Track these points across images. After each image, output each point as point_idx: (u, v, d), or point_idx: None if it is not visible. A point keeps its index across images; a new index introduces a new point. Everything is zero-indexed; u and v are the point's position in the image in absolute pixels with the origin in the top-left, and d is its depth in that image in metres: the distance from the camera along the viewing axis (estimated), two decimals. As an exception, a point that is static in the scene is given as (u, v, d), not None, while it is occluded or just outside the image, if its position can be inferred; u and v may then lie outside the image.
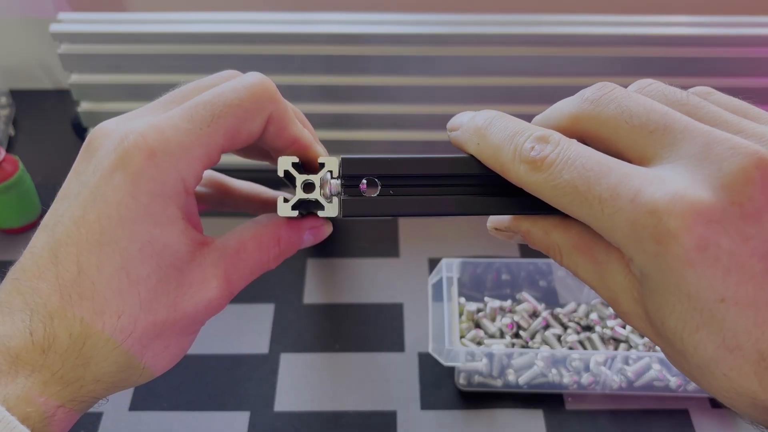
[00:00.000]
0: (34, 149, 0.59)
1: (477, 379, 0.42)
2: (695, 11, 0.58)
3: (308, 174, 0.25)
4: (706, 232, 0.19)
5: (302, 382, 0.43)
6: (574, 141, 0.22)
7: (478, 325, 0.45)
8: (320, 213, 0.25)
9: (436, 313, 0.43)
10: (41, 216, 0.53)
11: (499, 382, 0.42)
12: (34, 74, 0.64)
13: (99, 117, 0.55)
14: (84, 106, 0.54)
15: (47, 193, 0.54)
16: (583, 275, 0.23)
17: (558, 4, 0.60)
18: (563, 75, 0.52)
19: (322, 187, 0.25)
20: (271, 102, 0.25)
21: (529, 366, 0.42)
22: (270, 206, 0.33)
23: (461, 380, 0.42)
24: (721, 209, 0.19)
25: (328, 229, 0.29)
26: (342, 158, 0.24)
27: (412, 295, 0.48)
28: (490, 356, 0.41)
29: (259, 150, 0.29)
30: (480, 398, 0.42)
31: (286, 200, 0.25)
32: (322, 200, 0.25)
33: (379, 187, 0.24)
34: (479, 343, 0.44)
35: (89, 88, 0.53)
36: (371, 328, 0.46)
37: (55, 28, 0.50)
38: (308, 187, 0.25)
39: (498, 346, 0.43)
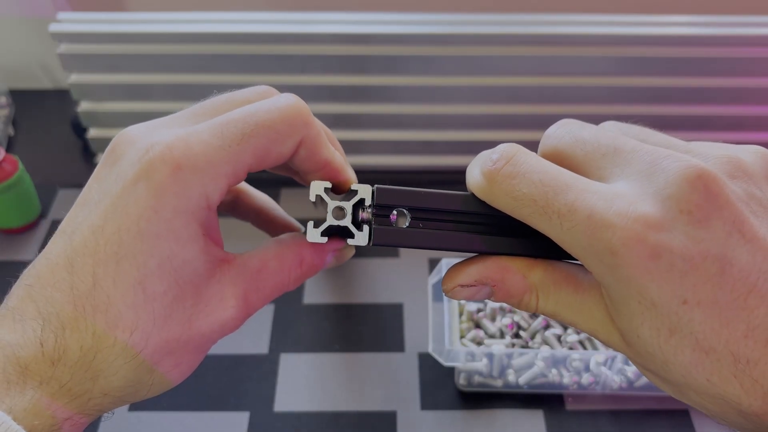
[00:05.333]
0: (33, 149, 0.59)
1: (477, 379, 0.42)
2: (695, 11, 0.58)
3: (337, 196, 0.25)
4: (657, 240, 0.20)
5: (302, 382, 0.43)
6: (532, 154, 0.23)
7: (478, 325, 0.45)
8: (350, 241, 0.24)
9: (436, 313, 0.43)
10: (41, 216, 0.53)
11: (499, 383, 0.42)
12: (34, 74, 0.64)
13: (98, 117, 0.54)
14: (83, 106, 0.54)
15: (47, 193, 0.55)
16: (563, 311, 0.24)
17: (558, 4, 0.60)
18: (563, 75, 0.52)
19: (354, 214, 0.24)
20: (304, 126, 0.25)
21: (530, 366, 0.42)
22: (277, 227, 0.32)
23: (461, 380, 0.42)
24: (670, 218, 0.20)
25: (350, 252, 0.29)
26: (376, 187, 0.24)
27: (412, 295, 0.48)
28: (490, 356, 0.41)
29: (284, 166, 0.28)
30: (480, 398, 0.42)
31: (316, 225, 0.25)
32: (352, 228, 0.24)
33: (409, 219, 0.24)
34: (479, 344, 0.44)
35: (89, 88, 0.53)
36: (371, 328, 0.46)
37: (54, 27, 0.50)
38: (338, 212, 0.25)
39: (498, 347, 0.43)
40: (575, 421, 0.42)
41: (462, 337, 0.44)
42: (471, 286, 0.24)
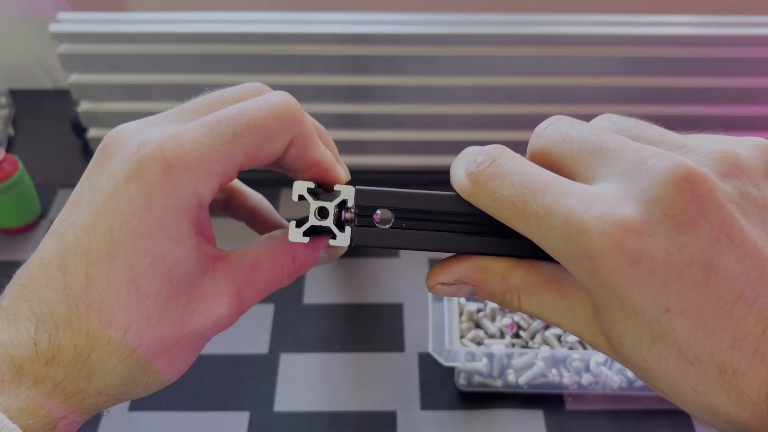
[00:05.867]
0: (33, 149, 0.59)
1: (477, 379, 0.42)
2: (695, 11, 0.58)
3: (326, 196, 0.25)
4: (637, 246, 0.19)
5: (302, 382, 0.43)
6: (517, 156, 0.23)
7: (478, 325, 0.45)
8: (331, 242, 0.24)
9: (436, 313, 0.43)
10: (41, 216, 0.53)
11: (499, 383, 0.42)
12: (34, 74, 0.64)
13: (98, 117, 0.54)
14: (83, 106, 0.54)
15: (47, 193, 0.55)
16: (547, 312, 0.23)
17: (558, 4, 0.60)
18: (563, 75, 0.52)
19: (338, 215, 0.25)
20: (295, 125, 0.25)
21: (530, 366, 0.42)
22: (269, 229, 0.32)
23: (461, 380, 0.42)
24: (653, 223, 0.19)
25: (341, 249, 0.29)
26: (356, 189, 0.24)
27: (412, 295, 0.48)
28: (490, 356, 0.41)
29: (276, 163, 0.28)
30: (480, 398, 0.42)
31: (298, 225, 0.25)
32: (334, 228, 0.24)
33: (393, 220, 0.24)
34: (479, 343, 0.44)
35: (89, 88, 0.53)
36: (371, 328, 0.46)
37: (54, 27, 0.50)
38: (322, 212, 0.25)
39: (498, 347, 0.43)
40: (575, 421, 0.42)
41: (462, 337, 0.44)
42: (452, 284, 0.25)
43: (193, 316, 0.24)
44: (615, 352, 0.22)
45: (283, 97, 0.25)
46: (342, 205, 0.25)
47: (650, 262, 0.19)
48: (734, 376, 0.19)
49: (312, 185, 0.25)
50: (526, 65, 0.51)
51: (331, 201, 0.24)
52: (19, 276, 0.23)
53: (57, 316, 0.22)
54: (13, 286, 0.23)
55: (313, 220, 0.24)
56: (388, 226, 0.24)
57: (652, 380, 0.21)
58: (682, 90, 0.53)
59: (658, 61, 0.51)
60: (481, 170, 0.22)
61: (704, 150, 0.21)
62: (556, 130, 0.23)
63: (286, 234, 0.27)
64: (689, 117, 0.54)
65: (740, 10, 0.59)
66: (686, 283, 0.19)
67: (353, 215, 0.24)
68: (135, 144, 0.23)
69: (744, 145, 0.21)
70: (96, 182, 0.23)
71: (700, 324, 0.19)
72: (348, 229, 0.24)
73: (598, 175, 0.21)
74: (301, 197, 0.25)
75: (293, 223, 0.25)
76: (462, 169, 0.23)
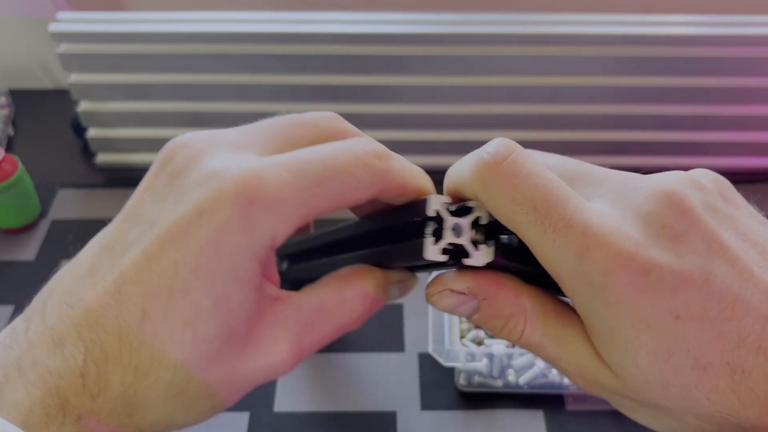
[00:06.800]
0: (33, 149, 0.59)
1: (477, 379, 0.42)
2: (695, 11, 0.58)
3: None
4: (646, 257, 0.20)
5: (302, 382, 0.43)
6: (531, 153, 0.22)
7: (478, 326, 0.45)
8: (465, 261, 0.22)
9: (436, 313, 0.43)
10: (41, 216, 0.53)
11: (499, 383, 0.42)
12: (34, 74, 0.64)
13: (98, 117, 0.54)
14: (83, 106, 0.54)
15: (47, 193, 0.55)
16: (550, 343, 0.23)
17: (558, 4, 0.60)
18: (563, 75, 0.52)
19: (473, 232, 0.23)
20: (385, 174, 0.23)
21: (530, 366, 0.42)
22: None
23: (461, 381, 0.42)
24: (653, 235, 0.20)
25: (414, 282, 0.27)
26: None
27: (412, 295, 0.48)
28: (490, 357, 0.41)
29: None
30: (480, 399, 0.42)
31: (435, 241, 0.23)
32: (470, 247, 0.22)
33: (516, 244, 0.23)
34: (479, 344, 0.44)
35: (89, 88, 0.53)
36: (371, 328, 0.46)
37: (54, 27, 0.50)
38: (455, 230, 0.23)
39: (498, 347, 0.43)
40: (575, 421, 0.42)
41: (462, 337, 0.44)
42: (460, 294, 0.23)
43: (247, 362, 0.22)
44: (623, 383, 0.21)
45: (371, 146, 0.23)
46: (474, 223, 0.23)
47: (659, 272, 0.20)
48: (743, 375, 0.20)
49: (449, 200, 0.23)
50: (526, 65, 0.51)
51: (460, 217, 0.23)
52: (65, 292, 0.21)
53: (107, 347, 0.20)
54: (60, 304, 0.21)
55: (450, 237, 0.22)
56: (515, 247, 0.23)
57: (666, 399, 0.21)
58: (682, 90, 0.53)
59: (658, 61, 0.51)
60: (498, 161, 0.21)
61: (668, 175, 0.23)
62: (529, 155, 0.23)
63: (354, 270, 0.25)
64: (689, 117, 0.54)
65: (740, 10, 0.59)
66: (691, 289, 0.20)
67: (482, 235, 0.23)
68: (210, 169, 0.21)
69: (695, 173, 0.23)
70: (160, 202, 0.22)
71: (708, 327, 0.20)
72: (483, 247, 0.22)
73: (584, 195, 0.22)
74: (438, 213, 0.23)
75: (430, 240, 0.23)
76: (468, 166, 0.22)
